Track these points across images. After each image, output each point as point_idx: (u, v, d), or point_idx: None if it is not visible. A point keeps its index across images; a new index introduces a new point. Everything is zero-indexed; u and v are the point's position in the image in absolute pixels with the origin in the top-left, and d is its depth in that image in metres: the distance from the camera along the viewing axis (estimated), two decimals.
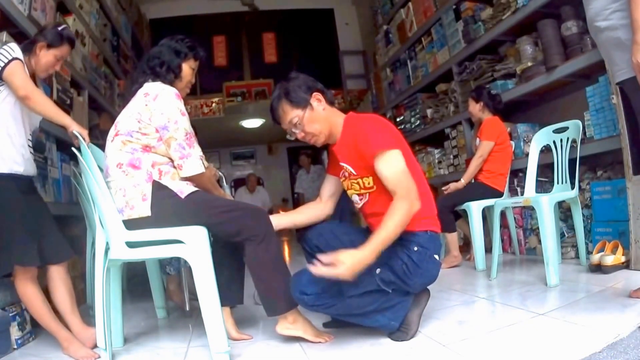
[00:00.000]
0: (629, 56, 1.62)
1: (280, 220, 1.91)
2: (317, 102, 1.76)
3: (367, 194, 1.75)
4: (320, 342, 1.71)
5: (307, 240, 1.85)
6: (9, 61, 1.77)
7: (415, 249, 1.65)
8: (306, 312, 1.77)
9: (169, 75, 1.84)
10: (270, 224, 1.76)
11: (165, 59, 1.85)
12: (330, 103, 1.80)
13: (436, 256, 1.72)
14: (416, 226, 1.68)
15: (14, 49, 1.80)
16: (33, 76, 1.89)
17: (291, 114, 1.75)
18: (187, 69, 1.90)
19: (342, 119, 1.80)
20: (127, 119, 1.76)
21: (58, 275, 1.88)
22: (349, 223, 2.14)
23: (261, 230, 1.70)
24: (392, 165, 1.61)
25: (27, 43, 1.91)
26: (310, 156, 6.96)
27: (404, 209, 1.56)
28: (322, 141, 1.80)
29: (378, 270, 1.59)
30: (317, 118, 1.75)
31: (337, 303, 1.57)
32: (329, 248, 1.80)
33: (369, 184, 1.72)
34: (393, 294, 1.65)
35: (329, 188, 1.94)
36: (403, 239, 1.65)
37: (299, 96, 1.74)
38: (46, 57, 1.90)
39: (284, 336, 1.75)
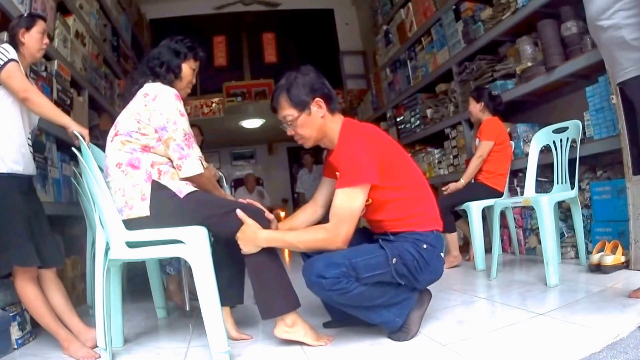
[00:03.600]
0: (634, 55, 1.62)
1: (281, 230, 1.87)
2: (317, 108, 1.72)
3: (365, 207, 1.72)
4: (320, 345, 1.69)
5: None
6: (5, 63, 1.76)
7: (425, 246, 1.68)
8: (305, 313, 1.77)
9: (169, 75, 1.84)
10: (269, 224, 1.76)
11: (165, 60, 1.85)
12: (332, 111, 1.75)
13: (442, 254, 1.77)
14: (424, 226, 1.72)
15: (9, 50, 1.80)
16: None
17: (287, 111, 1.73)
18: (187, 69, 1.90)
19: (339, 127, 1.76)
20: (127, 119, 1.76)
21: (50, 279, 1.89)
22: None
23: None
24: (346, 201, 1.61)
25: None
26: (313, 155, 6.91)
27: (320, 238, 1.64)
28: (310, 144, 1.80)
29: (394, 260, 1.60)
30: (311, 124, 1.73)
31: (353, 290, 1.56)
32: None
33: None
34: (401, 289, 1.67)
35: (323, 191, 1.93)
36: (413, 238, 1.68)
37: (300, 97, 1.70)
38: (31, 37, 1.91)
39: (283, 340, 1.73)
